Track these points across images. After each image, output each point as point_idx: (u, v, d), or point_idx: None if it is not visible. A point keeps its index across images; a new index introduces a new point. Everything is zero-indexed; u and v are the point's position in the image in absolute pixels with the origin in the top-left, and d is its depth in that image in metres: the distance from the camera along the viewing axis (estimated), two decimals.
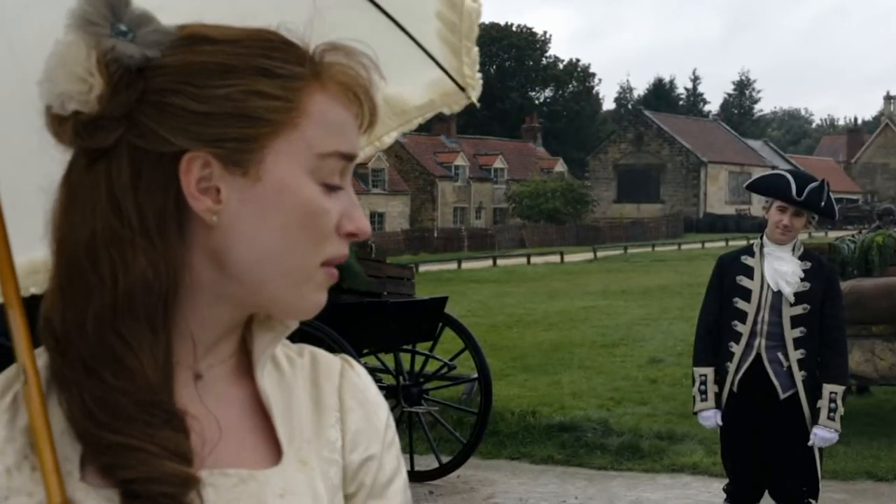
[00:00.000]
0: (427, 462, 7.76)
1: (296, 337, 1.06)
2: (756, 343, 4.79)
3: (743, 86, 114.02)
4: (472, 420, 7.95)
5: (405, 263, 14.01)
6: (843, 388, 4.79)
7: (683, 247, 46.46)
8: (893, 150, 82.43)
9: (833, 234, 31.03)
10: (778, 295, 4.76)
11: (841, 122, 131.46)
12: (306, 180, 0.95)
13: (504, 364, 12.66)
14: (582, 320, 18.05)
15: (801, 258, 4.79)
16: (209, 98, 0.91)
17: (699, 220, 65.69)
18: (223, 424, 0.97)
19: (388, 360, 8.02)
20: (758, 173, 5.78)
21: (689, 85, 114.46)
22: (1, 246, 1.03)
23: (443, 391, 8.90)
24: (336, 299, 6.47)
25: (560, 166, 72.46)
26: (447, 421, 8.28)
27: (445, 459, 7.70)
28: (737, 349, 4.82)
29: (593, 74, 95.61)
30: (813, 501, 4.90)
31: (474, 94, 1.48)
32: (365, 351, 7.49)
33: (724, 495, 5.19)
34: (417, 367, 7.96)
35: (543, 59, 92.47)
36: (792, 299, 4.74)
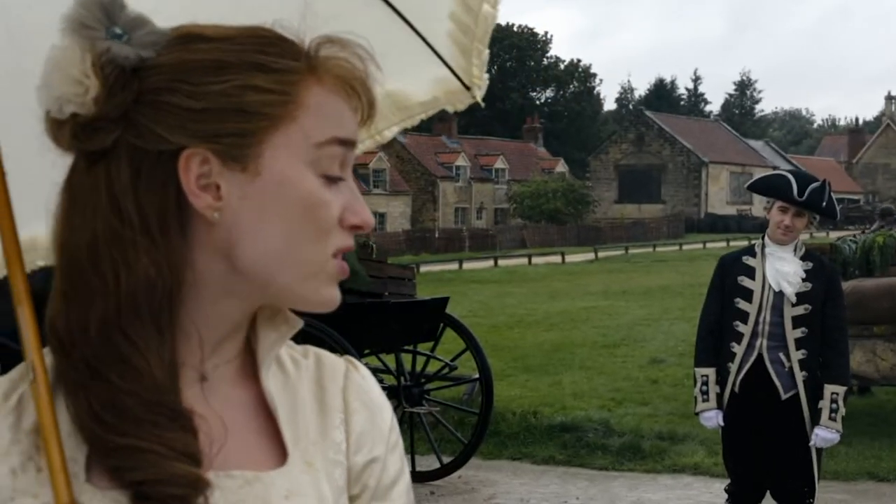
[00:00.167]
0: (428, 462, 7.77)
1: (297, 337, 1.06)
2: (757, 343, 4.79)
3: (744, 86, 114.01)
4: (474, 420, 7.96)
5: (406, 264, 14.02)
6: (844, 388, 4.78)
7: (685, 247, 46.45)
8: (895, 150, 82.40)
9: (834, 235, 31.03)
10: (779, 295, 4.76)
11: (842, 123, 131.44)
12: (306, 173, 0.95)
13: (505, 364, 12.66)
14: (583, 321, 18.04)
15: (803, 258, 4.79)
16: (204, 94, 0.91)
17: (700, 220, 65.66)
18: (228, 426, 0.97)
19: (390, 360, 8.02)
20: (759, 173, 5.78)
21: (691, 85, 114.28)
22: (11, 243, 1.03)
23: (444, 391, 8.90)
24: None
25: (561, 167, 72.46)
26: (448, 421, 8.28)
27: (447, 460, 7.71)
28: (738, 349, 4.82)
29: (594, 75, 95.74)
30: (811, 502, 4.89)
31: (479, 94, 1.48)
32: (366, 351, 7.49)
33: (726, 496, 5.18)
34: (419, 368, 7.96)
35: (545, 59, 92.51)
36: (793, 299, 4.73)
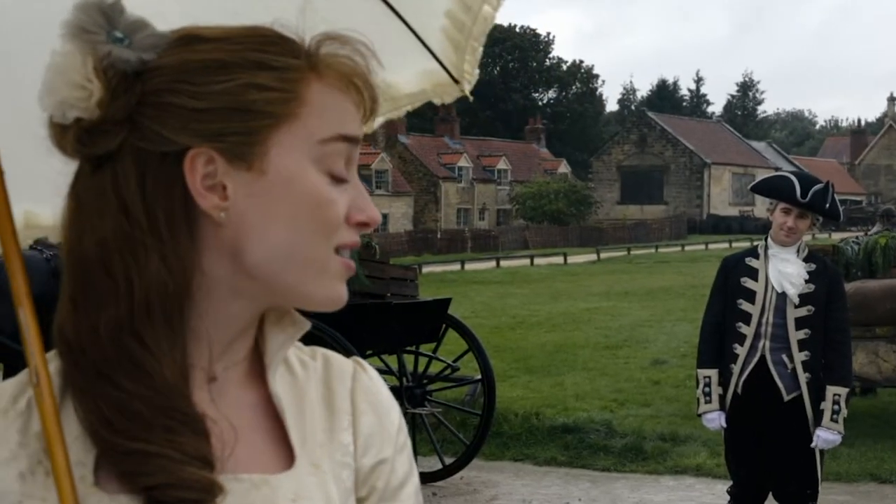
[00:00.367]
0: (430, 463, 7.77)
1: (300, 338, 1.06)
2: (760, 345, 4.79)
3: (746, 87, 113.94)
4: (476, 421, 7.96)
5: (408, 265, 14.00)
6: (846, 390, 4.78)
7: (687, 248, 46.43)
8: None
9: (837, 236, 31.02)
10: (782, 297, 4.76)
11: (845, 124, 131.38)
12: (312, 170, 0.95)
13: (507, 365, 12.65)
14: (585, 322, 18.03)
15: (806, 260, 4.79)
16: (207, 94, 0.91)
17: (703, 221, 65.62)
18: (236, 428, 0.96)
19: (392, 361, 8.01)
20: (761, 175, 5.78)
21: (693, 86, 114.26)
22: (11, 244, 1.03)
23: (446, 392, 8.90)
24: None
25: (563, 167, 72.44)
26: (450, 422, 8.29)
27: (449, 461, 7.71)
28: (741, 351, 4.82)
29: (597, 76, 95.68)
30: None
31: (467, 88, 1.49)
32: (368, 352, 7.48)
33: (728, 497, 5.18)
34: (421, 369, 7.95)
35: (547, 60, 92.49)
36: (796, 301, 4.73)
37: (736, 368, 4.83)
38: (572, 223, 58.09)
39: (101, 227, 0.91)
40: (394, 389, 7.53)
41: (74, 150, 0.92)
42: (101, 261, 0.91)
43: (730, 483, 5.19)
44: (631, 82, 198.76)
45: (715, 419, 4.94)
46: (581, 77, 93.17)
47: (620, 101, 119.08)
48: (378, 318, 7.24)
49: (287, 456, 1.00)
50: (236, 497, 0.94)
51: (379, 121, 1.52)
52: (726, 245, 40.72)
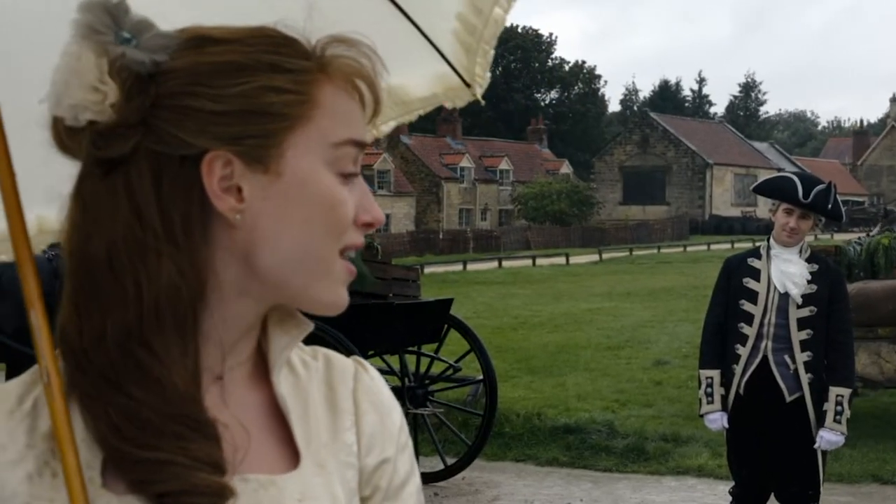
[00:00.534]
0: (432, 464, 7.77)
1: (304, 338, 1.06)
2: (762, 345, 4.79)
3: (749, 88, 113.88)
4: (478, 422, 7.96)
5: (410, 265, 14.02)
6: (849, 390, 4.78)
7: (689, 249, 46.39)
8: None
9: (839, 237, 31.01)
10: (784, 297, 4.76)
11: (847, 125, 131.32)
12: (325, 172, 0.96)
13: (509, 366, 12.65)
14: (587, 322, 18.02)
15: (808, 260, 4.78)
16: (224, 97, 0.91)
17: (705, 221, 65.58)
18: (248, 431, 0.96)
19: (394, 361, 8.01)
20: (763, 175, 5.78)
21: (695, 87, 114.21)
22: (24, 247, 1.02)
23: (448, 393, 8.90)
24: None
25: (565, 168, 72.43)
26: (452, 423, 8.29)
27: (451, 461, 7.71)
28: (743, 351, 4.82)
29: (599, 76, 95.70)
30: None
31: (479, 91, 1.48)
32: (370, 353, 7.49)
33: (730, 498, 5.18)
34: (423, 369, 7.95)
35: (549, 60, 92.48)
36: (799, 301, 4.73)
37: (738, 369, 4.83)
38: (574, 224, 58.06)
39: (111, 230, 0.90)
40: (396, 390, 7.54)
41: (87, 153, 0.91)
42: (109, 265, 0.90)
43: (732, 484, 5.19)
44: (633, 83, 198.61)
45: (717, 420, 4.93)
46: (583, 77, 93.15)
47: (623, 102, 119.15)
48: (380, 319, 7.24)
49: (292, 456, 1.00)
50: (244, 497, 0.94)
51: (391, 125, 1.52)
52: (728, 246, 40.69)
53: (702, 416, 5.03)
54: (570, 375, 12.27)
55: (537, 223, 58.16)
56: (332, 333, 6.28)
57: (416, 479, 1.10)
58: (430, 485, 7.47)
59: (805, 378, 4.74)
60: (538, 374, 12.45)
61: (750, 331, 4.80)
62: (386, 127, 1.53)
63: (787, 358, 4.76)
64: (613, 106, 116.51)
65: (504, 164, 69.58)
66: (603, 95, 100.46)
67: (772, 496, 5.06)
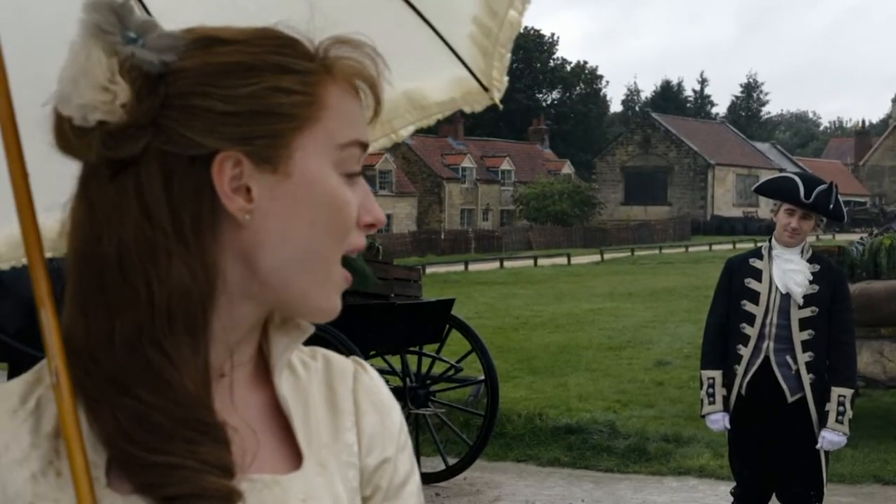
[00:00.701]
0: (434, 464, 7.77)
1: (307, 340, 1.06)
2: (764, 346, 4.79)
3: (750, 88, 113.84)
4: (479, 422, 7.96)
5: (412, 265, 14.02)
6: (851, 391, 4.77)
7: (691, 249, 46.38)
8: None
9: (841, 237, 30.99)
10: (786, 297, 4.75)
11: (849, 125, 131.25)
12: (332, 173, 0.96)
13: (511, 366, 12.65)
14: (589, 322, 18.02)
15: (810, 261, 4.78)
16: (234, 97, 0.91)
17: (706, 222, 65.59)
18: (256, 433, 0.97)
19: (395, 361, 8.02)
20: (765, 176, 5.78)
21: (697, 87, 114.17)
22: (34, 245, 1.02)
23: (449, 393, 8.90)
24: (343, 301, 6.45)
25: (567, 168, 72.42)
26: (454, 423, 8.29)
27: (452, 461, 7.71)
28: (745, 352, 4.82)
29: (601, 77, 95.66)
30: None
31: (497, 96, 1.48)
32: (372, 353, 7.49)
33: (732, 498, 5.17)
34: (424, 369, 7.95)
35: (551, 61, 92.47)
36: (800, 302, 4.73)
37: (740, 370, 4.83)
38: (576, 224, 58.04)
39: (121, 231, 0.90)
40: (397, 390, 7.54)
41: (97, 154, 0.91)
42: (119, 266, 0.90)
43: (733, 484, 5.18)
44: (635, 83, 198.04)
45: (719, 420, 4.93)
46: (585, 78, 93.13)
47: (624, 102, 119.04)
48: (382, 319, 7.24)
49: (294, 456, 1.01)
50: (249, 497, 0.94)
51: (409, 129, 1.52)
52: (730, 246, 40.69)
53: (703, 416, 5.03)
54: (572, 376, 12.27)
55: (539, 223, 58.14)
56: (333, 333, 6.28)
57: (417, 479, 1.10)
58: (431, 485, 7.47)
59: (807, 378, 4.74)
60: (540, 374, 12.45)
61: (752, 331, 4.80)
62: (405, 131, 1.53)
63: (788, 358, 4.76)
64: (615, 106, 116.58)
65: (506, 165, 69.56)
66: (605, 96, 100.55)
67: (773, 497, 5.06)
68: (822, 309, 4.73)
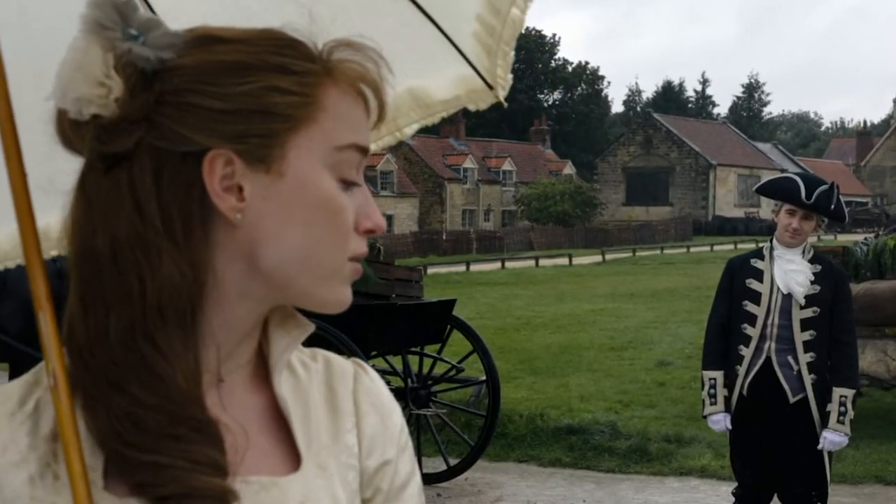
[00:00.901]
0: (435, 464, 7.77)
1: (306, 339, 1.06)
2: (766, 346, 4.78)
3: (752, 88, 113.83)
4: (480, 422, 7.96)
5: (414, 266, 14.02)
6: (853, 391, 4.77)
7: (692, 249, 46.34)
8: None
9: (842, 238, 30.97)
10: (788, 298, 4.75)
11: (851, 125, 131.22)
12: (326, 176, 0.95)
13: (512, 366, 12.64)
14: (590, 323, 18.01)
15: (811, 261, 4.78)
16: (229, 96, 0.91)
17: (708, 222, 65.56)
18: (247, 432, 0.96)
19: (397, 362, 8.02)
20: (767, 176, 5.77)
21: (699, 87, 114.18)
22: (32, 247, 1.02)
23: (451, 393, 8.90)
24: None
25: (569, 169, 72.41)
26: (455, 423, 8.29)
27: (453, 462, 7.71)
28: (746, 352, 4.81)
29: (602, 77, 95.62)
30: None
31: (502, 94, 1.49)
32: (373, 353, 7.49)
33: (733, 499, 5.17)
34: (426, 370, 7.95)
35: (552, 61, 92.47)
36: (802, 302, 4.72)
37: (741, 370, 4.83)
38: (577, 224, 58.04)
39: (114, 226, 0.90)
40: (399, 390, 7.54)
41: (90, 147, 0.91)
42: (113, 260, 0.90)
43: (735, 485, 5.18)
44: (636, 84, 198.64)
45: (720, 421, 4.93)
46: (586, 78, 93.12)
47: (626, 103, 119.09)
48: (383, 319, 7.24)
49: (293, 458, 1.00)
50: (246, 499, 0.94)
51: (413, 127, 1.53)
52: (731, 246, 40.68)
53: (705, 417, 5.03)
54: (573, 376, 12.27)
55: (540, 224, 58.13)
56: (334, 334, 6.28)
57: (417, 480, 1.10)
58: (432, 485, 7.47)
59: (808, 379, 4.73)
60: (541, 374, 12.45)
61: (753, 332, 4.80)
62: (409, 129, 1.53)
63: (790, 359, 4.75)
64: (617, 107, 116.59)
65: (507, 165, 69.56)
66: (606, 96, 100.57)
67: (775, 497, 5.06)
68: (824, 309, 4.73)
